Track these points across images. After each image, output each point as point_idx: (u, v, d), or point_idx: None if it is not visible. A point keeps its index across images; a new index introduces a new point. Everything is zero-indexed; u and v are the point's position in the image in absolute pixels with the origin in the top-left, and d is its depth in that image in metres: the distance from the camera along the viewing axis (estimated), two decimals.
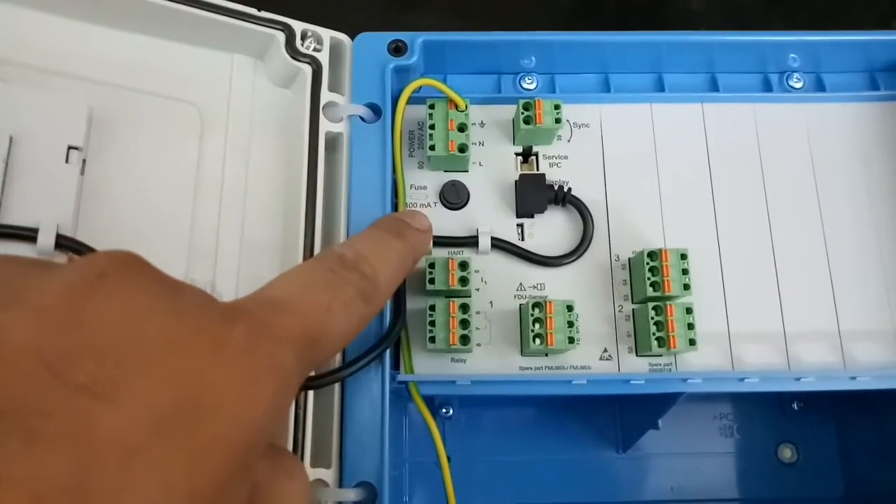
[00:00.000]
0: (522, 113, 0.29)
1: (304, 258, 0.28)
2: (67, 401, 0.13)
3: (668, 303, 0.27)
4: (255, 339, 0.16)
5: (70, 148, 0.27)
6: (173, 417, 0.14)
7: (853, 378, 0.28)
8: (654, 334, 0.27)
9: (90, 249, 0.26)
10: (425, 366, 0.28)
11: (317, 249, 0.28)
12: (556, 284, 0.29)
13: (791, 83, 0.33)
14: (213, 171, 0.30)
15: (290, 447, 0.25)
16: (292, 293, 0.19)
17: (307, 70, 0.29)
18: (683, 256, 0.28)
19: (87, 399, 0.14)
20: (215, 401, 0.15)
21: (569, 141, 0.31)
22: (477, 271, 0.29)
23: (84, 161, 0.28)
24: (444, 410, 0.35)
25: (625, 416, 0.35)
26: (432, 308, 0.27)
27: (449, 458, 0.34)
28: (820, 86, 0.33)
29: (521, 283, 0.29)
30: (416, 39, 0.30)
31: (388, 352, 0.27)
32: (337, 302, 0.20)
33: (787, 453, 0.35)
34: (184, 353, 0.15)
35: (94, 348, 0.14)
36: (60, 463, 0.13)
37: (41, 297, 0.15)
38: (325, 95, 0.29)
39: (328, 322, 0.19)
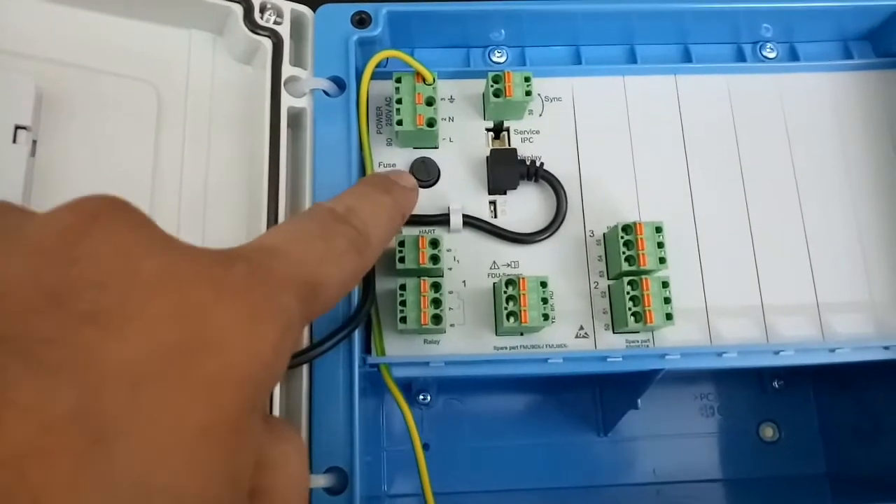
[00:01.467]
0: (492, 86, 0.28)
1: None
2: (71, 329, 0.13)
3: (643, 277, 0.27)
4: (256, 281, 0.16)
5: (17, 127, 0.26)
6: (181, 349, 0.14)
7: (832, 350, 0.28)
8: (630, 309, 0.26)
9: None
10: (397, 348, 0.27)
11: None
12: (530, 262, 0.29)
13: (764, 53, 0.32)
14: (172, 152, 0.29)
15: None
16: (287, 242, 0.19)
17: (267, 44, 0.28)
18: (658, 230, 0.27)
19: (92, 328, 0.13)
20: (221, 336, 0.15)
21: (540, 115, 0.30)
22: (449, 250, 0.28)
23: (34, 142, 0.27)
24: (421, 397, 0.34)
25: (604, 397, 0.34)
26: (403, 287, 0.26)
27: (427, 446, 0.33)
28: (794, 55, 0.32)
29: (494, 262, 0.29)
30: (381, 10, 0.29)
31: (357, 333, 0.26)
32: (331, 252, 0.20)
33: (768, 432, 0.35)
34: (185, 289, 0.15)
35: (94, 280, 0.14)
36: (66, 391, 0.12)
37: (37, 236, 0.14)
38: (287, 70, 0.28)
39: (324, 270, 0.19)
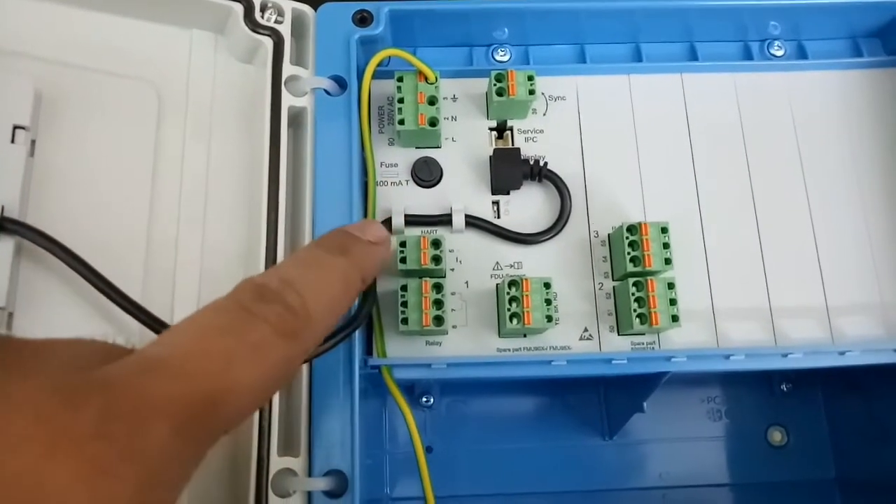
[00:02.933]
0: (495, 84, 0.28)
1: (267, 241, 0.26)
2: None
3: (649, 278, 0.26)
4: (110, 421, 0.14)
5: (16, 127, 0.26)
6: None
7: (842, 353, 0.27)
8: (635, 311, 0.26)
9: (35, 231, 0.25)
10: (399, 349, 0.27)
11: (280, 230, 0.27)
12: (533, 263, 0.28)
13: (772, 51, 0.32)
14: (173, 152, 0.29)
15: (255, 435, 0.24)
16: (182, 346, 0.16)
17: (268, 43, 0.28)
18: (664, 230, 0.27)
19: None
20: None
21: (544, 114, 0.30)
22: (451, 251, 0.28)
23: (33, 142, 0.27)
24: (424, 399, 0.33)
25: (609, 399, 0.34)
26: (404, 288, 0.26)
27: (430, 449, 0.33)
28: (802, 53, 0.32)
29: (497, 262, 0.28)
30: (383, 9, 0.29)
31: (358, 334, 0.25)
32: (242, 347, 0.17)
33: (776, 436, 0.34)
34: (15, 450, 0.13)
35: None
36: None
37: None
38: (288, 69, 0.28)
39: (229, 376, 0.16)
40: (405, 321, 0.25)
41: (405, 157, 0.29)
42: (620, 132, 0.30)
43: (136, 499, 0.13)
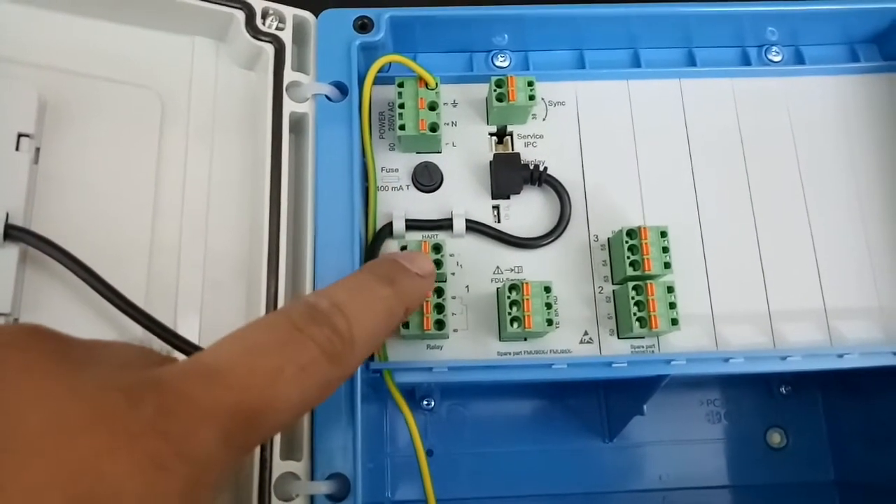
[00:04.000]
0: (495, 90, 0.28)
1: (269, 246, 0.27)
2: None
3: (648, 282, 0.26)
4: (167, 419, 0.14)
5: (20, 135, 0.26)
6: None
7: (840, 356, 0.28)
8: (635, 315, 0.26)
9: (39, 238, 0.25)
10: (400, 353, 0.27)
11: (282, 235, 0.27)
12: (533, 267, 0.29)
13: (770, 56, 0.32)
14: (175, 159, 0.29)
15: None
16: (233, 358, 0.17)
17: (269, 50, 0.28)
18: (663, 234, 0.27)
19: None
20: (114, 493, 0.13)
21: (544, 120, 0.30)
22: (452, 255, 0.28)
23: (38, 150, 0.27)
24: (425, 402, 0.34)
25: (609, 402, 0.34)
26: None
27: (431, 452, 0.33)
28: (799, 59, 0.32)
29: (497, 267, 0.28)
30: (383, 15, 0.29)
31: None
32: (291, 366, 0.17)
33: (776, 438, 0.35)
34: (76, 439, 0.13)
35: None
36: None
37: None
38: (289, 75, 0.28)
39: (274, 392, 0.17)
40: (406, 325, 0.26)
41: (406, 162, 0.29)
42: (620, 137, 0.30)
43: (185, 495, 0.14)
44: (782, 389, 0.35)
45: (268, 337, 0.18)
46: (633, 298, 0.26)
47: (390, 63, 0.28)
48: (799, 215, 0.30)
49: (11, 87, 0.26)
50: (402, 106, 0.28)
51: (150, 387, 0.15)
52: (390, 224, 0.28)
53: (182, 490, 0.14)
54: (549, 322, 0.26)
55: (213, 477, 0.15)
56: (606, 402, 0.34)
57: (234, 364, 0.16)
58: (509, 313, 0.26)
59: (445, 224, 0.28)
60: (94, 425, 0.14)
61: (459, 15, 0.30)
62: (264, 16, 0.28)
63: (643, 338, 0.28)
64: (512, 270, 0.28)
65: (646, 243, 0.27)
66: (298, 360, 0.17)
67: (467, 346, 0.27)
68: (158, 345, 0.24)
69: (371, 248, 0.28)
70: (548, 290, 0.26)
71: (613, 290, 0.28)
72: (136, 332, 0.26)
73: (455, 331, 0.28)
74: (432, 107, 0.28)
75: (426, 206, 0.29)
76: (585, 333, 0.28)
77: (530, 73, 0.29)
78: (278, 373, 0.17)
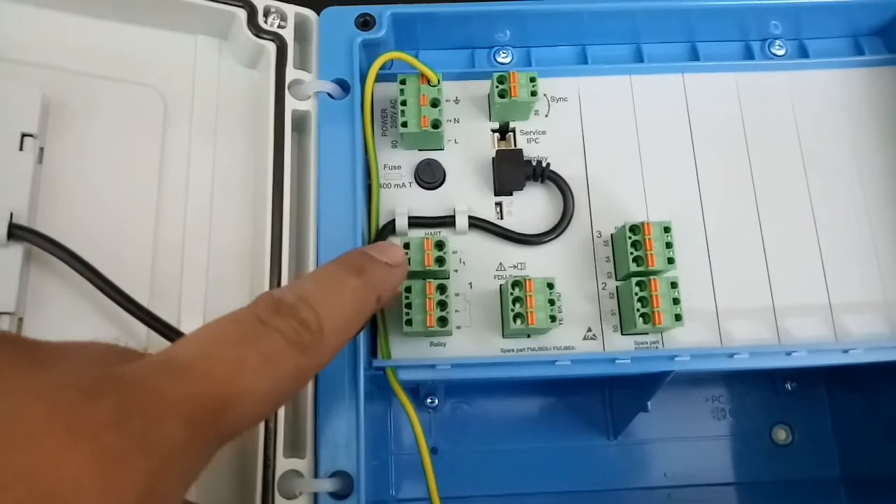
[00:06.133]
0: (497, 86, 0.28)
1: (272, 243, 0.27)
2: None
3: (652, 278, 0.26)
4: (128, 414, 0.14)
5: (24, 135, 0.26)
6: None
7: (846, 351, 0.27)
8: (638, 311, 0.26)
9: (43, 237, 0.25)
10: (403, 351, 0.27)
11: (285, 232, 0.27)
12: (537, 263, 0.28)
13: (773, 50, 0.32)
14: (178, 157, 0.29)
15: (262, 437, 0.24)
16: (197, 351, 0.17)
17: (271, 48, 0.28)
18: (667, 229, 0.27)
19: None
20: (73, 489, 0.13)
21: (546, 116, 0.30)
22: (455, 252, 0.28)
23: (41, 149, 0.27)
24: (429, 400, 0.33)
25: (613, 399, 0.34)
26: (408, 290, 0.26)
27: (435, 450, 0.33)
28: (803, 52, 0.32)
29: (500, 263, 0.28)
30: (385, 13, 0.29)
31: (363, 336, 0.26)
32: (255, 356, 0.17)
33: (781, 435, 0.34)
34: (33, 437, 0.13)
35: None
36: None
37: None
38: (291, 73, 0.28)
39: (238, 382, 0.17)
40: (409, 322, 0.26)
41: (408, 159, 0.29)
42: (622, 132, 0.30)
43: (145, 490, 0.14)
44: (787, 385, 0.35)
45: (231, 329, 0.18)
46: (636, 294, 0.26)
47: (392, 60, 0.28)
48: (803, 210, 0.29)
49: (15, 87, 0.27)
50: (404, 103, 0.28)
51: (113, 382, 0.15)
52: (393, 221, 0.28)
53: (144, 483, 0.14)
54: (553, 319, 0.26)
55: (178, 472, 0.15)
56: (610, 399, 0.34)
57: (196, 356, 0.17)
58: (512, 310, 0.26)
59: (448, 221, 0.28)
60: (51, 422, 0.14)
61: (461, 11, 0.30)
62: (266, 14, 0.29)
63: (647, 334, 0.28)
64: (515, 267, 0.28)
65: (649, 239, 0.26)
66: (262, 350, 0.17)
67: (470, 343, 0.27)
68: (157, 344, 0.24)
69: None
70: (551, 286, 0.26)
71: (617, 286, 0.28)
72: (140, 331, 0.26)
73: (458, 328, 0.28)
74: (434, 103, 0.28)
75: (429, 203, 0.29)
76: (589, 330, 0.28)
77: (532, 69, 0.29)
78: (241, 363, 0.17)
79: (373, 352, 0.27)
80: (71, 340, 0.17)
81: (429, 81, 0.28)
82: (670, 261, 0.26)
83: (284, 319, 0.18)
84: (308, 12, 0.29)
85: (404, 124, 0.28)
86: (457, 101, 0.30)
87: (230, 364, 0.17)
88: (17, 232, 0.25)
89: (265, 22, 0.28)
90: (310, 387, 0.25)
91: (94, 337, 0.25)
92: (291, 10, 0.29)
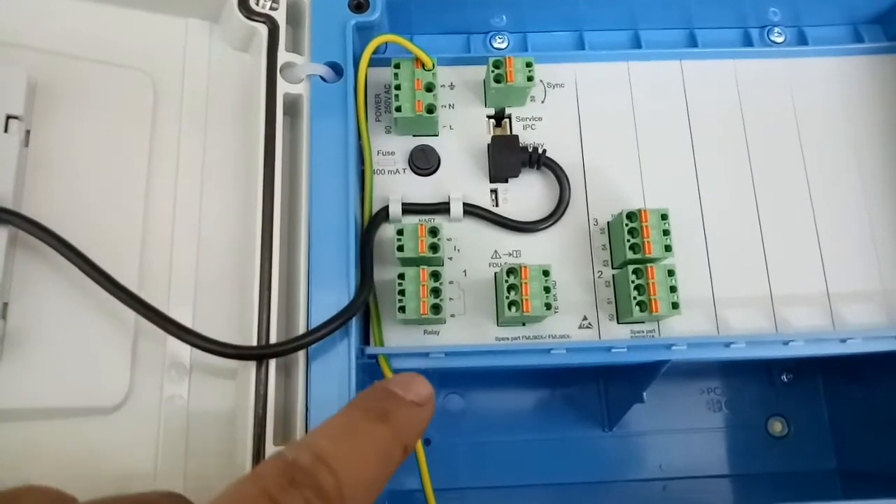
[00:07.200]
0: (493, 71, 0.28)
1: (263, 229, 0.26)
2: None
3: (649, 265, 0.26)
4: None
5: (9, 117, 0.26)
6: None
7: (843, 340, 0.27)
8: (635, 298, 0.26)
9: (29, 221, 0.24)
10: (396, 338, 0.27)
11: (276, 218, 0.26)
12: (532, 251, 0.28)
13: (772, 38, 0.32)
14: (168, 141, 0.28)
15: (251, 425, 0.24)
16: None
17: (263, 30, 0.28)
18: (664, 217, 0.26)
19: None
20: None
21: (543, 102, 0.30)
22: (449, 239, 0.28)
23: (28, 132, 0.26)
24: None
25: (609, 390, 0.34)
26: (401, 277, 0.25)
27: (428, 441, 0.33)
28: (802, 40, 0.32)
29: (495, 251, 0.28)
30: None
31: (355, 323, 0.25)
32: None
33: (777, 427, 0.34)
34: None
35: None
36: None
37: None
38: (283, 56, 0.28)
39: None
40: (402, 310, 0.25)
41: (402, 145, 0.29)
42: (620, 119, 0.30)
43: None
44: (783, 377, 0.34)
45: None
46: (633, 282, 0.26)
47: (386, 44, 0.28)
48: (802, 198, 0.29)
49: (0, 68, 0.26)
50: (398, 87, 0.27)
51: None
52: (387, 208, 0.28)
53: None
54: (548, 306, 0.25)
55: None
56: (606, 390, 0.34)
57: None
58: (507, 297, 0.25)
59: (443, 208, 0.28)
60: None
61: None
62: None
63: (643, 322, 0.27)
64: (510, 255, 0.28)
65: (646, 226, 0.26)
66: None
67: (465, 331, 0.27)
68: (146, 331, 0.24)
69: (367, 232, 0.27)
70: (546, 273, 0.25)
71: (613, 274, 0.28)
72: (127, 317, 0.25)
73: (452, 316, 0.27)
74: (429, 88, 0.27)
75: (423, 189, 0.28)
76: (584, 318, 0.27)
77: (529, 54, 0.28)
78: None
79: (365, 339, 0.27)
80: (11, 488, 0.15)
81: (423, 65, 0.28)
82: (667, 248, 0.26)
83: (300, 491, 0.15)
84: None
85: (398, 109, 0.27)
86: (452, 86, 0.30)
87: None
88: (1, 215, 0.24)
89: (256, 4, 0.28)
90: (301, 374, 0.25)
91: (82, 322, 0.25)
92: None
